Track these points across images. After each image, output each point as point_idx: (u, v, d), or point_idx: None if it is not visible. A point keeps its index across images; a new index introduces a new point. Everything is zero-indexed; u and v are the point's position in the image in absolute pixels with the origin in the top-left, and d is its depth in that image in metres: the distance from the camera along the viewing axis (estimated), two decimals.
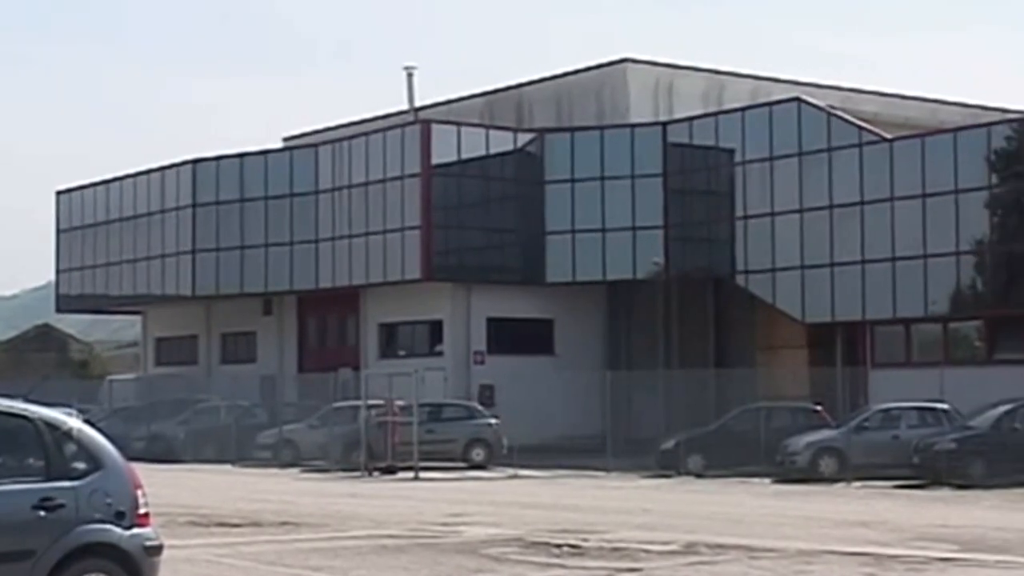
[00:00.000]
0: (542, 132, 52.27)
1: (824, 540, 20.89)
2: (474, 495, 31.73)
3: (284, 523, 24.09)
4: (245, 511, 26.37)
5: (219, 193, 55.60)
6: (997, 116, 50.16)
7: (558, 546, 20.20)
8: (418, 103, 57.69)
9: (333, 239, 52.52)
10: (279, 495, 31.39)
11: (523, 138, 52.02)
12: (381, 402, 40.02)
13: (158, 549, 12.53)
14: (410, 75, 57.55)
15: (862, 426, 36.59)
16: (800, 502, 29.44)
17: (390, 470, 38.75)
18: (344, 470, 40.10)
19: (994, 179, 43.08)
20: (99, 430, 12.85)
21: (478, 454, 41.92)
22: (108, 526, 12.13)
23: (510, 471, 39.54)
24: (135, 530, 12.30)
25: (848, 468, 35.10)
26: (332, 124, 61.03)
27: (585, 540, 20.82)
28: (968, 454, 33.62)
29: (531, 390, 46.92)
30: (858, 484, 33.80)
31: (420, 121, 52.64)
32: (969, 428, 34.77)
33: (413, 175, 49.93)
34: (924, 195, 43.66)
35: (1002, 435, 33.87)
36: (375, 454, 39.40)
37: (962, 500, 29.65)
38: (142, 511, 12.41)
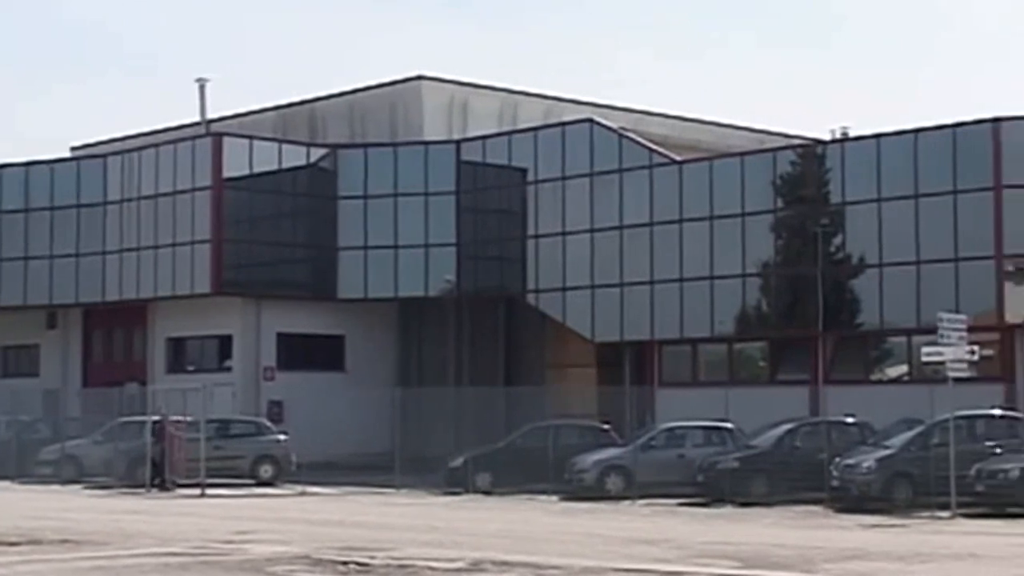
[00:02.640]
0: (335, 147, 52.04)
1: (609, 557, 21.08)
2: (261, 512, 31.40)
3: (64, 541, 23.52)
4: (24, 528, 25.68)
5: (2, 202, 54.15)
6: (782, 141, 51.34)
7: (344, 563, 20.07)
8: (210, 115, 56.96)
9: (121, 251, 51.58)
10: (60, 512, 30.65)
11: (316, 153, 51.70)
12: (172, 418, 39.44)
13: None
14: (202, 87, 56.84)
15: (648, 444, 37.06)
16: (587, 519, 29.67)
17: (168, 486, 38.15)
18: (129, 487, 39.36)
19: (779, 203, 44.06)
20: None
21: (266, 471, 41.51)
22: None
23: (298, 488, 39.26)
24: None
25: (634, 486, 35.51)
26: (122, 134, 59.95)
27: (372, 557, 20.72)
28: (751, 472, 34.29)
29: (321, 406, 46.67)
30: (644, 502, 34.22)
31: (212, 134, 52.01)
32: (752, 447, 35.47)
33: (204, 188, 49.30)
34: (712, 217, 44.46)
35: (784, 453, 34.62)
36: (161, 470, 38.78)
37: (744, 517, 30.18)
38: None
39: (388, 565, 20.01)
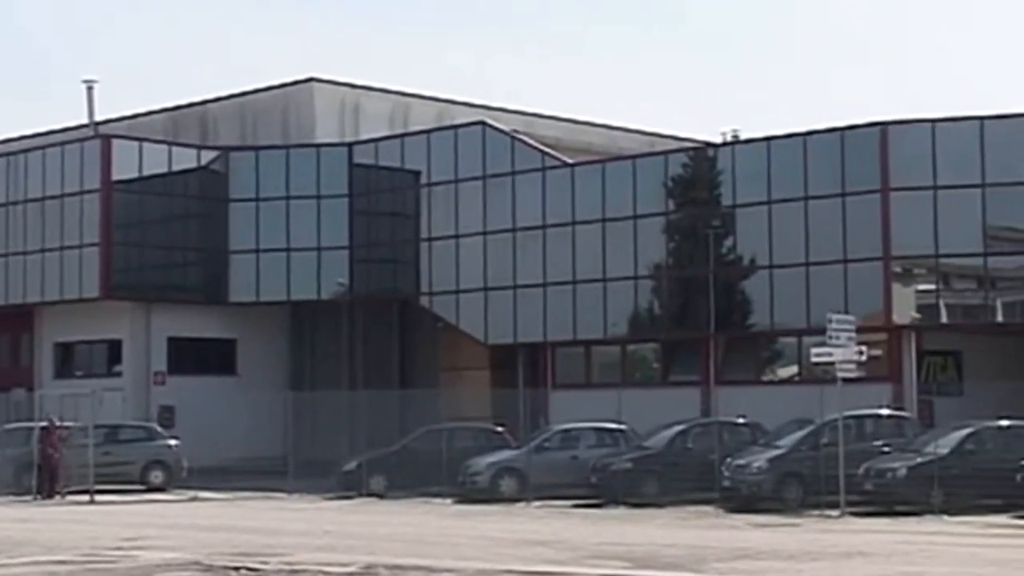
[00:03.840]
0: (226, 150, 51.64)
1: (503, 559, 21.09)
2: (151, 518, 31.09)
3: None
4: None
5: None
6: (673, 144, 51.66)
7: (236, 569, 19.93)
8: (99, 117, 56.31)
9: (7, 255, 50.84)
10: None
11: (207, 155, 51.27)
12: (57, 423, 38.92)
13: None
14: (90, 88, 56.18)
15: (542, 446, 37.10)
16: (480, 522, 29.68)
17: (56, 493, 37.64)
18: (15, 494, 38.74)
19: (671, 205, 44.31)
20: None
21: (156, 476, 41.08)
22: None
23: (190, 493, 38.92)
24: None
25: (528, 488, 35.54)
26: (7, 136, 59.15)
27: (264, 563, 20.58)
28: (643, 473, 34.46)
29: (213, 411, 46.31)
30: (538, 504, 34.27)
31: (100, 136, 51.40)
32: (644, 448, 35.64)
33: (92, 191, 48.70)
34: (604, 220, 44.63)
35: (676, 454, 34.82)
36: (49, 477, 38.25)
37: (637, 518, 30.33)
38: None
39: (280, 571, 19.90)
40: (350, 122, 53.07)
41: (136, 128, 54.14)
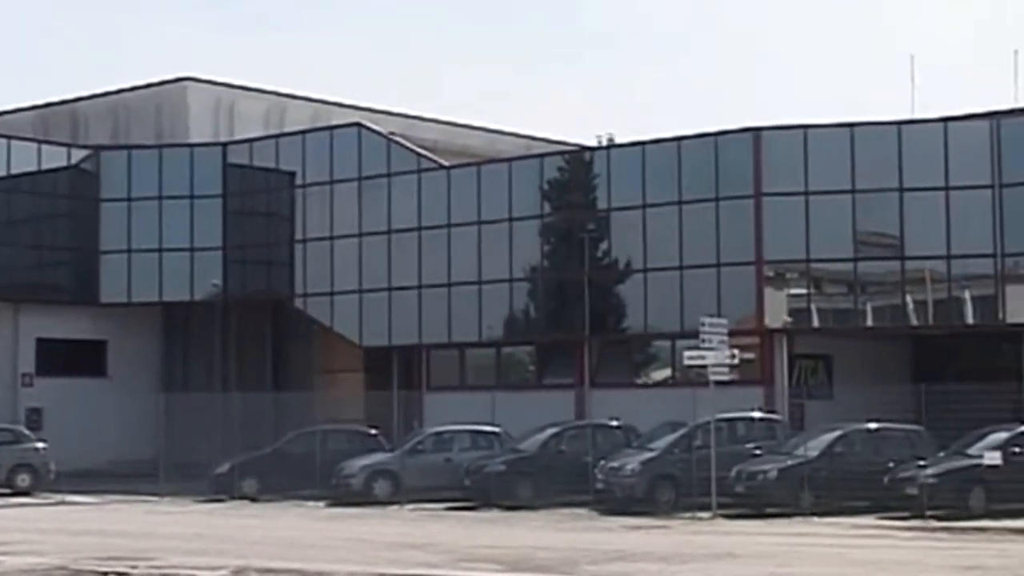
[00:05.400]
0: (98, 149, 50.96)
1: (375, 562, 21.03)
2: (18, 523, 30.60)
3: None
4: None
5: None
6: (550, 147, 51.82)
7: (104, 574, 19.68)
8: None
9: None
10: None
11: (78, 154, 50.52)
12: None
13: None
14: None
15: (416, 449, 37.07)
16: (354, 525, 29.60)
17: None
18: None
19: (547, 208, 44.44)
20: None
21: (23, 480, 40.43)
22: None
23: (57, 497, 38.35)
24: None
25: (402, 490, 35.48)
26: None
27: (134, 567, 20.35)
28: (517, 476, 34.55)
29: (82, 413, 45.70)
30: (411, 506, 34.23)
31: None
32: (518, 450, 35.72)
33: None
34: (480, 222, 44.65)
35: (550, 457, 34.97)
36: None
37: (511, 521, 30.40)
38: None
39: (150, 574, 19.68)
40: (224, 122, 52.65)
41: (4, 126, 53.22)
